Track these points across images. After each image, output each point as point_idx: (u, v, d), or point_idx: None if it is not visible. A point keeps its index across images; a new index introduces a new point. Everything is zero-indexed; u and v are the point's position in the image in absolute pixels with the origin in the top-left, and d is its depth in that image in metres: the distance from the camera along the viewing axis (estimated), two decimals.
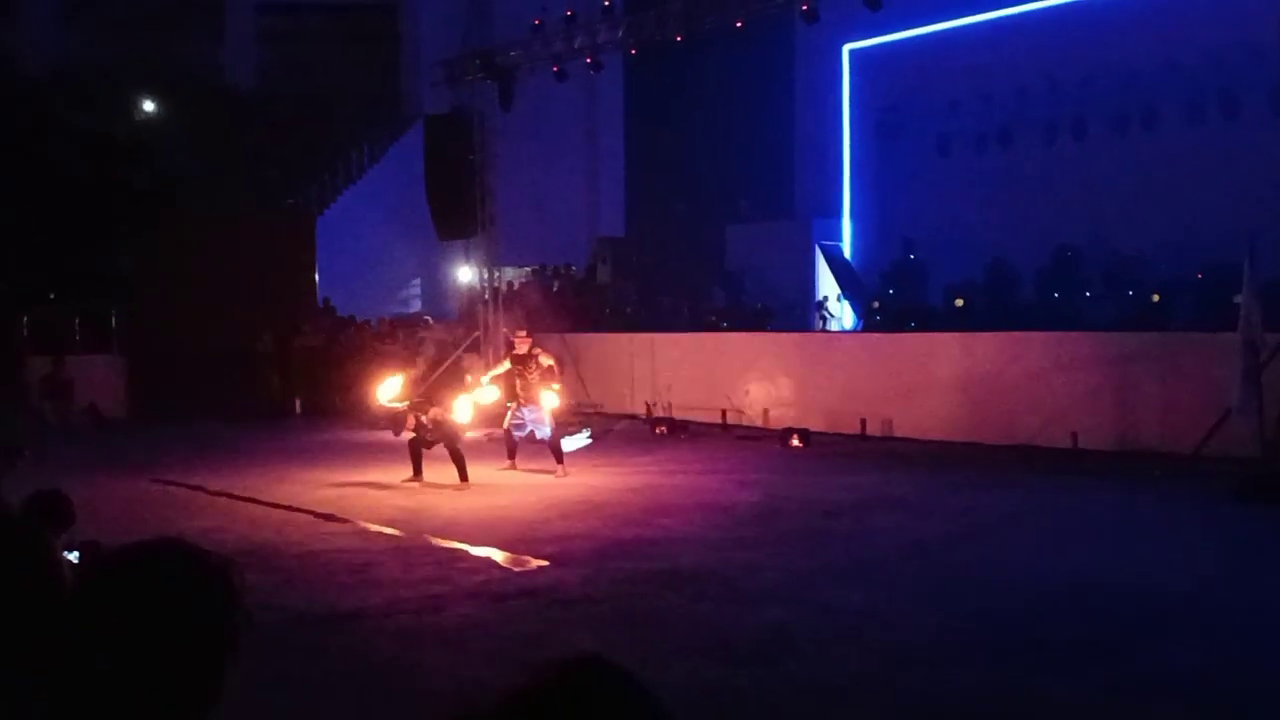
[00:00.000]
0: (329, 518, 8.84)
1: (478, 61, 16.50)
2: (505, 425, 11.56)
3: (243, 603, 1.47)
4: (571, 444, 11.93)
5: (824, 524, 8.52)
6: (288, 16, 26.74)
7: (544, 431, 11.14)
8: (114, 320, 18.15)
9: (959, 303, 15.77)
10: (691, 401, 15.60)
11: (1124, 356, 12.09)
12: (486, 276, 17.52)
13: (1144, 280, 14.71)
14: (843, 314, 18.36)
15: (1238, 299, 9.97)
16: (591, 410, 16.47)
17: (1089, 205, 15.73)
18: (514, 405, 11.34)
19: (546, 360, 11.34)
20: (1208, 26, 15.07)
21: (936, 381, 13.38)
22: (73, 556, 4.76)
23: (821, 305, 17.96)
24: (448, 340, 17.21)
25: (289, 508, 9.29)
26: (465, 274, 17.77)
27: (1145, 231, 15.01)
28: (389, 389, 11.04)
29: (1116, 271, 15.07)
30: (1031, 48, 16.85)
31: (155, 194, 18.02)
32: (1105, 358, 12.23)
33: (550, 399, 11.24)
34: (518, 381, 11.39)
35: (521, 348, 11.42)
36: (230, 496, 9.88)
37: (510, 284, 18.65)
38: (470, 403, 11.42)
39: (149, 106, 21.45)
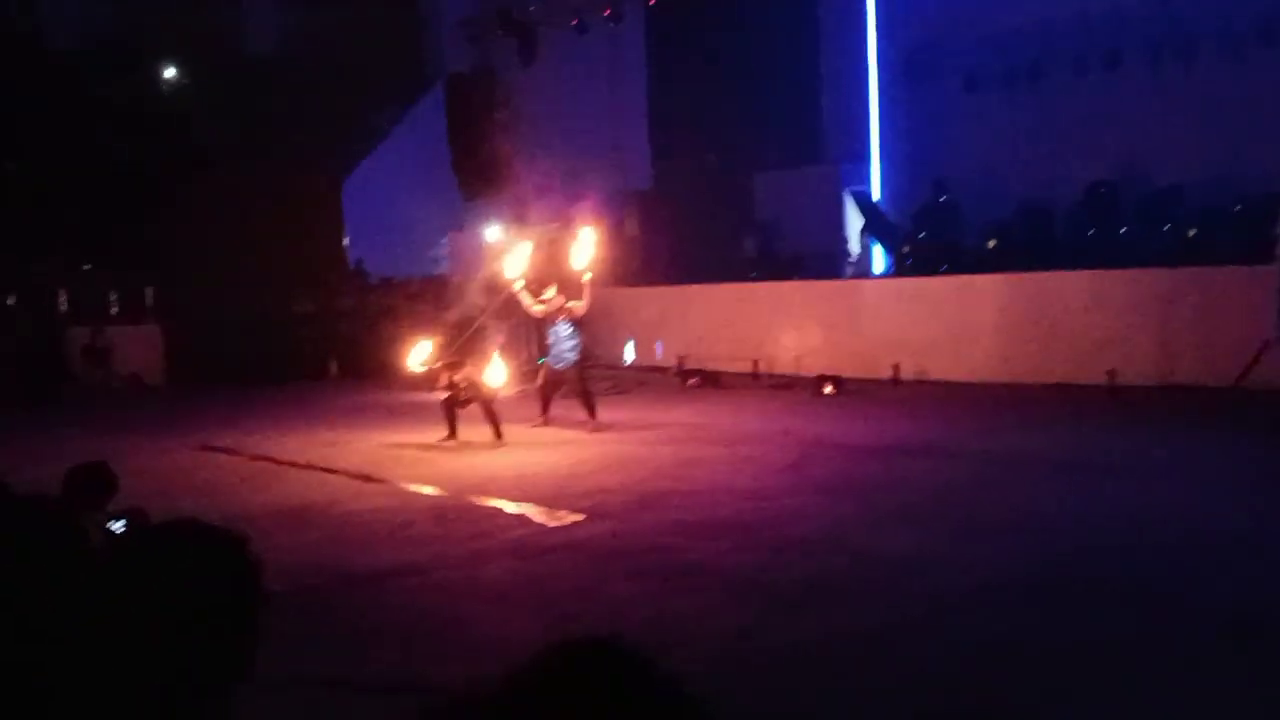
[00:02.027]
0: (367, 478, 8.94)
1: (498, 18, 16.35)
2: (539, 382, 11.63)
3: (259, 578, 1.48)
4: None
5: (858, 470, 8.51)
6: None
7: (569, 361, 11.16)
8: (149, 291, 18.35)
9: (992, 243, 15.56)
10: (723, 352, 15.58)
11: (1161, 292, 11.94)
12: (513, 234, 17.48)
13: (1180, 214, 14.43)
14: (869, 257, 18.17)
15: (1277, 230, 9.78)
16: (621, 364, 16.49)
17: (1122, 140, 15.39)
18: (546, 359, 11.41)
19: (575, 304, 11.32)
20: None
21: (971, 324, 13.26)
22: (118, 525, 4.86)
23: (845, 250, 17.79)
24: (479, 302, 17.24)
25: (328, 469, 9.40)
26: (490, 232, 17.75)
27: (1181, 165, 14.69)
28: (420, 353, 11.11)
29: (1151, 206, 14.80)
30: None
31: (184, 163, 18.09)
32: (1142, 294, 12.08)
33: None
34: (549, 335, 11.47)
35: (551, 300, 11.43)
36: (270, 460, 10.01)
37: (538, 240, 18.59)
38: (504, 365, 11.54)
39: (174, 76, 21.48)
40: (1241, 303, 10.76)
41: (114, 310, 18.18)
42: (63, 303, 18.00)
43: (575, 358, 11.30)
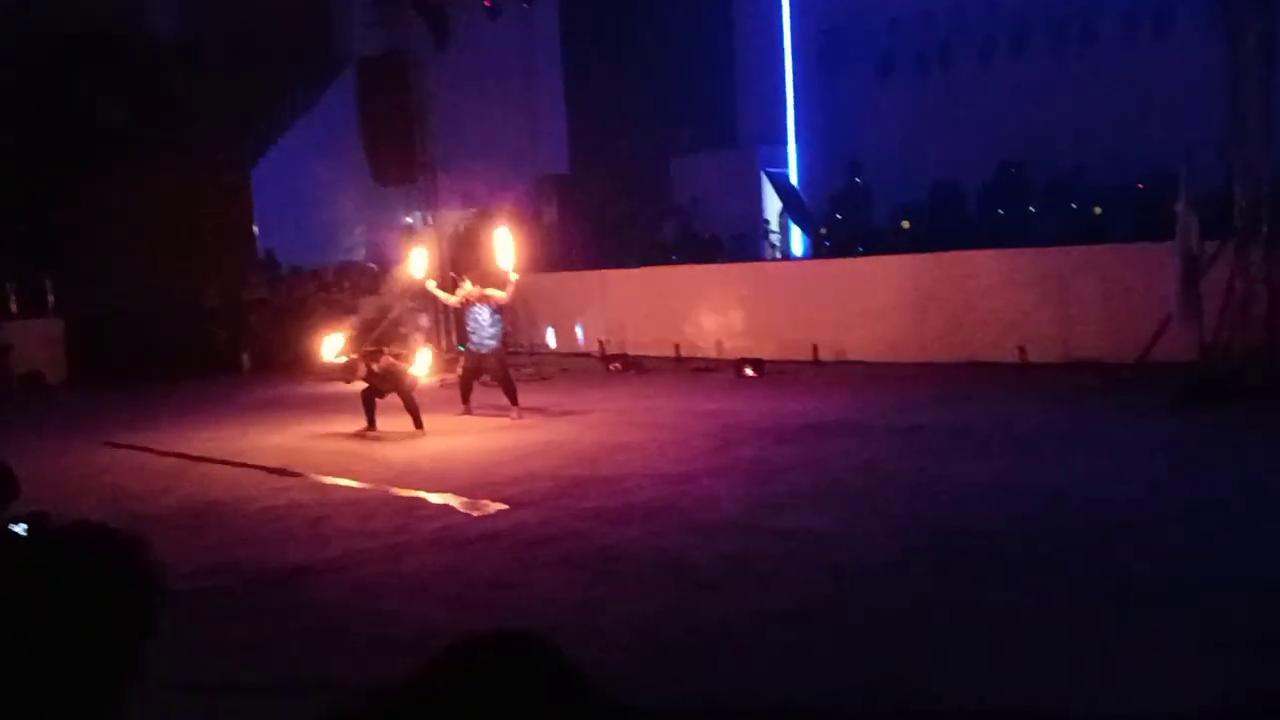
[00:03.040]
0: (283, 472, 8.75)
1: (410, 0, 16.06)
2: (459, 370, 11.51)
3: (155, 577, 1.46)
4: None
5: (778, 450, 8.59)
6: None
7: (492, 345, 11.07)
8: (49, 284, 17.69)
9: (905, 224, 15.82)
10: (644, 337, 15.60)
11: (1067, 270, 12.25)
12: (429, 221, 17.25)
13: (1085, 193, 14.83)
14: (788, 239, 18.34)
15: (1178, 208, 10.10)
16: (543, 350, 16.43)
17: (1030, 121, 15.75)
18: (466, 348, 11.30)
19: (495, 293, 11.20)
20: None
21: (887, 304, 13.47)
22: (20, 529, 4.68)
23: (766, 232, 17.94)
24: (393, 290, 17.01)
25: (242, 464, 9.18)
26: (406, 219, 17.49)
27: (1086, 145, 15.09)
28: (332, 344, 10.92)
29: (1058, 186, 15.17)
30: None
31: (83, 148, 17.45)
32: (1049, 272, 12.38)
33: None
34: (469, 324, 11.36)
35: (470, 292, 11.30)
36: (181, 456, 9.74)
37: (455, 228, 18.38)
38: (429, 353, 11.44)
39: (70, 55, 20.66)
40: (1145, 280, 11.09)
41: (13, 307, 17.48)
42: None
43: (496, 345, 11.21)
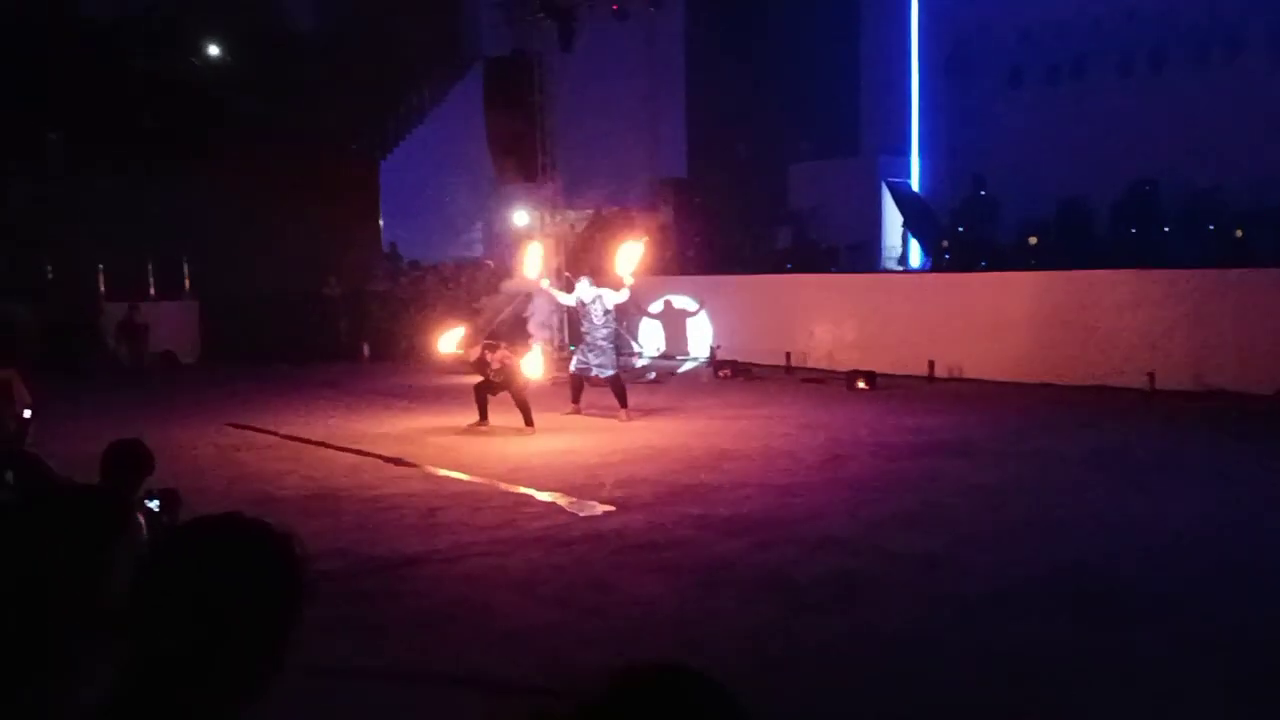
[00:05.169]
0: (398, 462, 8.97)
1: (537, 1, 16.29)
2: (571, 369, 11.64)
3: (305, 574, 1.49)
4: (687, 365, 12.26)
5: (888, 468, 8.44)
6: None
7: (606, 372, 11.18)
8: (186, 266, 18.49)
9: (1032, 240, 15.39)
10: (755, 344, 15.51)
11: (1203, 294, 11.74)
12: (547, 221, 17.47)
13: (1224, 215, 14.20)
14: (907, 251, 18.02)
15: None
16: (656, 355, 16.48)
17: (1166, 138, 15.16)
18: (578, 346, 11.42)
19: (613, 298, 11.30)
20: None
21: (1008, 322, 13.12)
22: (153, 504, 4.90)
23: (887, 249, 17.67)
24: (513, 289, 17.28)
25: (359, 452, 9.45)
26: (523, 218, 17.74)
27: (1226, 165, 14.45)
28: (450, 339, 11.15)
29: (1195, 206, 14.57)
30: None
31: (222, 139, 18.19)
32: (1183, 295, 11.88)
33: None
34: (583, 324, 11.47)
35: (585, 292, 11.41)
36: (302, 441, 10.07)
37: (572, 227, 18.58)
38: (541, 350, 11.61)
39: (212, 50, 21.59)
40: None
41: (151, 290, 18.33)
42: (101, 278, 18.16)
43: (609, 345, 11.28)
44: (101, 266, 18.13)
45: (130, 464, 4.71)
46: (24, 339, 12.87)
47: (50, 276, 17.40)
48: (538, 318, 16.11)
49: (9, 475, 5.79)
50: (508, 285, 17.35)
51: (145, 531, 3.89)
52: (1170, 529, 6.54)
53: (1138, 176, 15.09)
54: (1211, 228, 14.30)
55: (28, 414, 7.29)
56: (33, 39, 17.54)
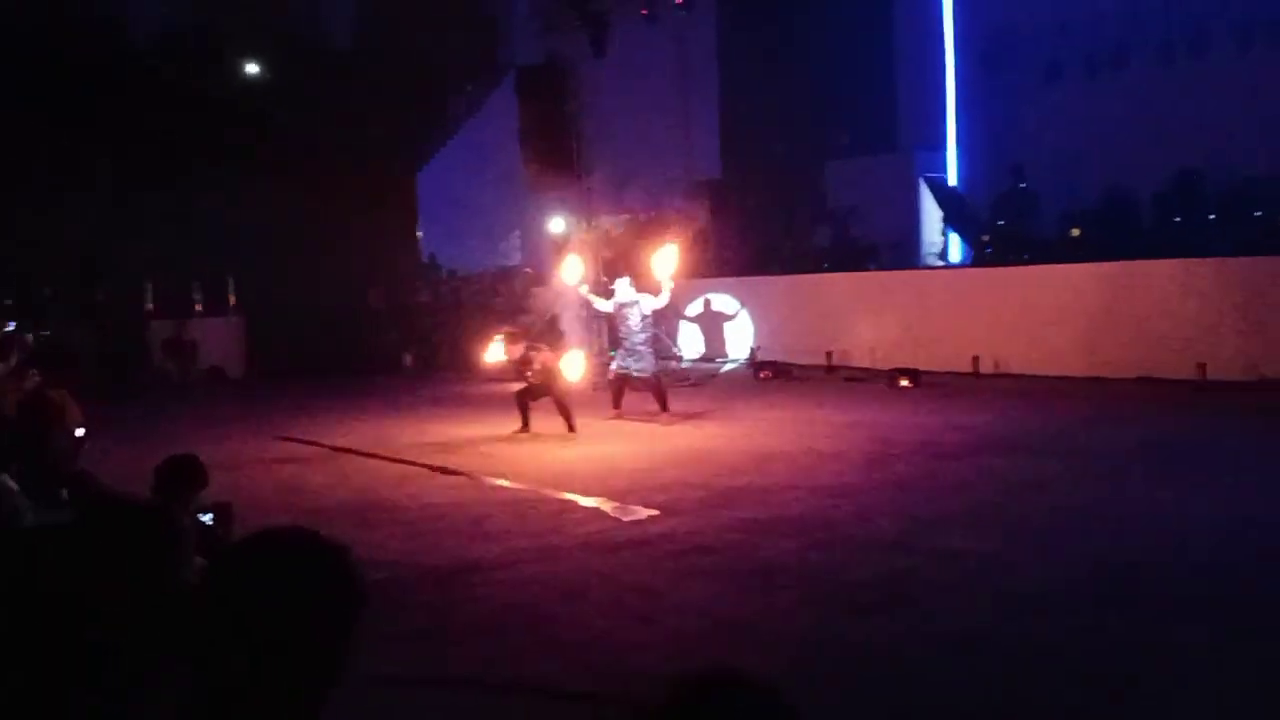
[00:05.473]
0: (445, 471, 9.04)
1: (572, 9, 16.37)
2: (610, 373, 11.67)
3: (360, 586, 1.51)
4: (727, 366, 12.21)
5: (935, 466, 8.39)
6: None
7: (645, 374, 11.18)
8: (231, 282, 18.75)
9: (1074, 232, 15.20)
10: (796, 345, 15.46)
11: (1252, 282, 11.55)
12: (583, 227, 17.52)
13: (1271, 202, 13.95)
14: (947, 247, 17.87)
15: None
16: (696, 358, 16.47)
17: (1210, 126, 14.91)
18: (618, 351, 11.46)
19: (651, 303, 11.33)
20: None
21: (1052, 315, 12.98)
22: (207, 518, 4.98)
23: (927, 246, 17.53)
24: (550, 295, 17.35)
25: (406, 462, 9.53)
26: (560, 225, 17.81)
27: (1271, 150, 14.20)
28: (494, 351, 11.21)
29: (1241, 194, 14.32)
30: None
31: (266, 155, 18.43)
32: (1233, 284, 11.70)
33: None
34: (620, 328, 11.51)
35: (624, 293, 11.44)
36: (349, 451, 10.18)
37: (607, 232, 18.62)
38: (581, 356, 11.66)
39: (253, 69, 21.89)
40: None
41: (198, 306, 18.62)
42: (148, 295, 18.47)
43: (648, 350, 11.31)
44: (149, 285, 18.44)
45: (184, 479, 4.79)
46: (81, 365, 13.12)
47: (99, 298, 17.70)
48: (569, 318, 16.14)
49: (64, 493, 5.91)
50: (541, 291, 17.43)
51: (199, 546, 3.96)
52: (1220, 523, 6.45)
53: (1181, 165, 14.87)
54: (1258, 214, 14.06)
55: (80, 432, 7.43)
56: (81, 61, 17.87)
